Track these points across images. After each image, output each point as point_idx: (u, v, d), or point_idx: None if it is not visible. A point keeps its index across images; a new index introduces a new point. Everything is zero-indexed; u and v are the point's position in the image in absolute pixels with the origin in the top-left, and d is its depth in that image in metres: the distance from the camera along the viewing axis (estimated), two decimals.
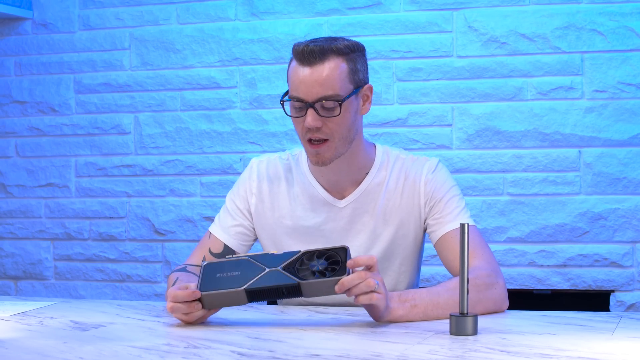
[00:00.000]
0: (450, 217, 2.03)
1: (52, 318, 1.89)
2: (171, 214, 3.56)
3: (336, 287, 1.66)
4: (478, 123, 3.26)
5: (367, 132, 3.19)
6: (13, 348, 1.53)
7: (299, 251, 1.75)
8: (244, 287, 1.70)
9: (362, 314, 1.87)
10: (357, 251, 2.05)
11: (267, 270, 1.73)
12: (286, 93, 1.99)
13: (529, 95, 3.22)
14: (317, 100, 1.92)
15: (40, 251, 3.72)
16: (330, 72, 1.92)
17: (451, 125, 3.28)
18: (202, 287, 1.74)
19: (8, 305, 2.08)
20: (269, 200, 2.11)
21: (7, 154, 3.76)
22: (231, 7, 3.50)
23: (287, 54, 3.40)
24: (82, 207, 3.67)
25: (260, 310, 2.01)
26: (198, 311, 1.74)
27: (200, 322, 1.78)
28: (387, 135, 3.30)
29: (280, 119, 3.44)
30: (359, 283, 1.66)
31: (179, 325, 1.77)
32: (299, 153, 2.16)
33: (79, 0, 3.67)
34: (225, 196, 2.21)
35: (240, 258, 1.78)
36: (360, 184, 2.07)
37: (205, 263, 1.81)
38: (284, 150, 3.32)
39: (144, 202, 3.60)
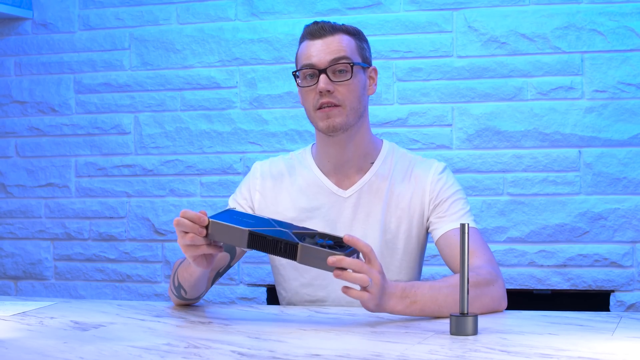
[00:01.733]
0: (454, 217, 2.06)
1: (52, 318, 1.90)
2: (171, 213, 3.56)
3: (329, 258, 1.63)
4: (478, 123, 3.26)
5: None
6: (13, 348, 1.54)
7: (316, 231, 1.76)
8: (249, 228, 1.71)
9: (362, 314, 1.88)
10: None
11: (278, 228, 1.75)
12: (295, 72, 2.06)
13: (529, 95, 3.22)
14: (329, 65, 2.00)
15: (40, 251, 3.73)
16: (340, 41, 2.03)
17: (451, 125, 3.29)
18: (213, 217, 1.76)
19: (8, 305, 2.09)
20: (273, 196, 2.13)
21: (7, 154, 3.77)
22: (231, 7, 3.51)
23: (287, 54, 3.43)
24: (82, 207, 3.67)
25: (261, 310, 2.02)
26: (200, 236, 1.74)
27: (199, 261, 1.78)
28: (387, 135, 3.30)
29: (280, 119, 3.44)
30: (353, 271, 1.64)
31: (179, 325, 1.78)
32: (303, 151, 2.21)
33: (79, 0, 3.68)
34: (225, 196, 2.22)
35: (266, 217, 1.80)
36: (365, 173, 2.10)
37: (232, 208, 1.83)
38: (283, 150, 3.35)
39: (144, 202, 3.61)
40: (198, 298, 2.05)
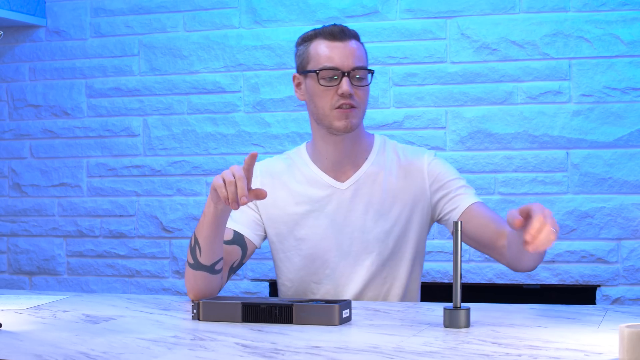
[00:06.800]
0: (467, 196, 2.13)
1: (64, 311, 1.92)
2: (178, 212, 3.59)
3: (515, 221, 1.64)
4: (470, 126, 3.29)
5: None
6: (27, 340, 1.55)
7: (304, 298, 1.82)
8: (241, 302, 1.74)
9: (360, 306, 1.91)
10: (360, 230, 2.13)
11: (268, 299, 1.80)
12: (307, 71, 2.12)
13: (519, 99, 3.24)
14: (353, 69, 2.08)
15: (54, 248, 3.75)
16: (358, 47, 2.12)
17: (445, 127, 3.31)
18: (203, 300, 1.80)
19: (23, 299, 2.11)
20: (272, 192, 2.12)
21: (22, 155, 3.79)
22: (235, 15, 3.53)
23: (289, 60, 3.40)
24: (94, 205, 3.70)
25: None
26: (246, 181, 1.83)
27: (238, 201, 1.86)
28: None
29: (282, 121, 3.47)
30: (540, 234, 1.64)
31: (185, 319, 1.80)
32: (298, 149, 2.26)
33: (91, 8, 3.69)
34: None
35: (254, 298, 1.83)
36: (360, 167, 2.17)
37: None
38: (286, 151, 3.39)
39: (152, 201, 3.63)
40: (212, 268, 1.99)
